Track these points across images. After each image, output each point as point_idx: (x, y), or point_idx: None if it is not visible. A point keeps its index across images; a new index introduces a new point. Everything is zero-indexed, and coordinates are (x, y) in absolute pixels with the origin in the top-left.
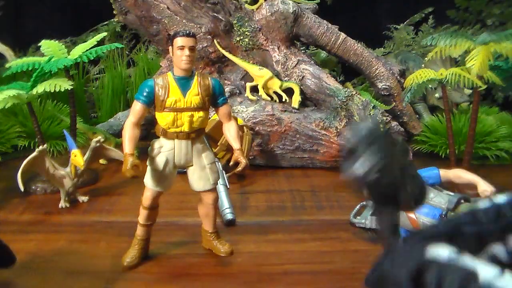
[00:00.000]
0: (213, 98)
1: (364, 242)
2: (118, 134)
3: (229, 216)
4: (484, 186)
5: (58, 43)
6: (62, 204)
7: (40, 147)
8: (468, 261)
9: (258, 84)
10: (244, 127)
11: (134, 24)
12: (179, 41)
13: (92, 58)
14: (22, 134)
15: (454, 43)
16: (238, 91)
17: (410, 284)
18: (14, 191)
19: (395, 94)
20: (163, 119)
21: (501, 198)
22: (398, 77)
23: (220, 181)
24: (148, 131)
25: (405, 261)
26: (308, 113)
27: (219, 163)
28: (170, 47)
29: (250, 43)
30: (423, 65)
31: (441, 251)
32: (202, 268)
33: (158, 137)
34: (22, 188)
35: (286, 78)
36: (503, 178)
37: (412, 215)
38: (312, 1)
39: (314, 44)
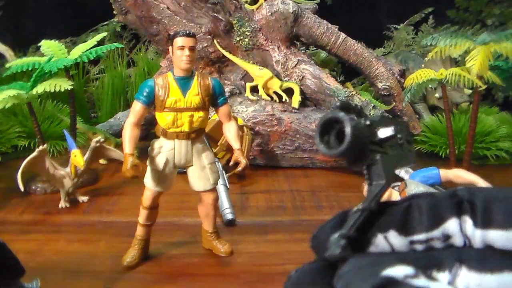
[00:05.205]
0: (213, 98)
1: None
2: (118, 134)
3: (229, 216)
4: (484, 186)
5: (58, 43)
6: (62, 204)
7: (40, 147)
8: (424, 283)
9: (258, 84)
10: (244, 127)
11: (134, 24)
12: (179, 41)
13: (92, 58)
14: (22, 134)
15: (454, 43)
16: (238, 91)
17: None
18: (14, 191)
19: (395, 94)
20: (163, 119)
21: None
22: (398, 77)
23: (220, 181)
24: (148, 131)
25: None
26: (308, 113)
27: (219, 163)
28: (170, 47)
29: (250, 43)
30: (423, 65)
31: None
32: (202, 268)
33: (158, 137)
34: (22, 188)
35: (286, 78)
36: (503, 178)
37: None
38: (312, 1)
39: (314, 44)
